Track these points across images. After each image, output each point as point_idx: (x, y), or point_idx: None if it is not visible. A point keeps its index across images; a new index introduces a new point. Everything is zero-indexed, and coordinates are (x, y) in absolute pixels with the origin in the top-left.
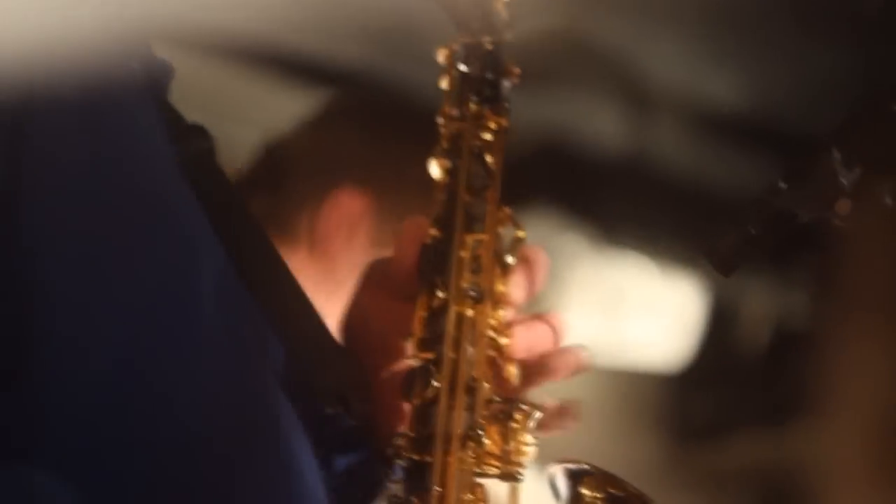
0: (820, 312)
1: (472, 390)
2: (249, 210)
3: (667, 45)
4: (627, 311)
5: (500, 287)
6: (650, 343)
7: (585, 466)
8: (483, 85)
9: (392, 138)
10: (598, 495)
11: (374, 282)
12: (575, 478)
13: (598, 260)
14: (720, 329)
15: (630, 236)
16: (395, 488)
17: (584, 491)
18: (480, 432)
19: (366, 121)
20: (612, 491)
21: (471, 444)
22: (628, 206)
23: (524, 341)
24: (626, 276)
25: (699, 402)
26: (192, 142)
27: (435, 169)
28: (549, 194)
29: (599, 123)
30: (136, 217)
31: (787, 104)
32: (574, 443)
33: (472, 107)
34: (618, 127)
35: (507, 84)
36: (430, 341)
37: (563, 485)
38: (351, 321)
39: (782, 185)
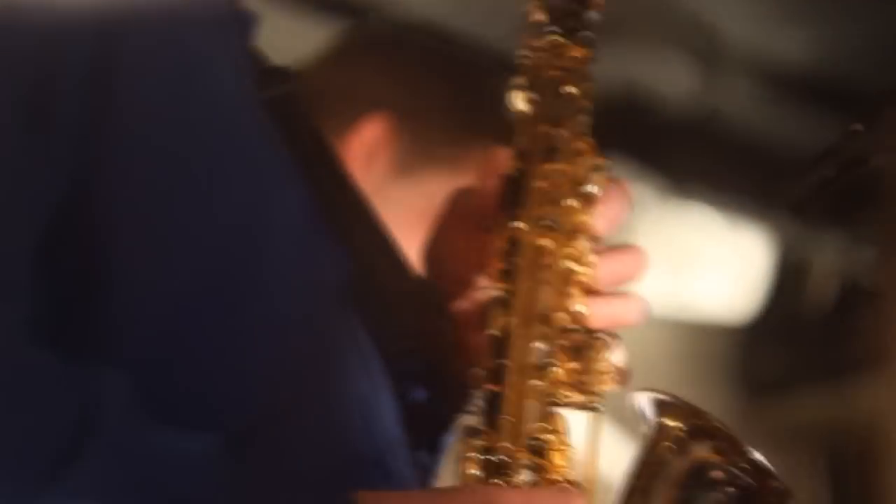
0: (886, 268)
1: (546, 320)
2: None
3: (736, 1)
4: (695, 265)
5: (580, 217)
6: (718, 297)
7: (669, 397)
8: (567, 15)
9: (414, 67)
10: (681, 426)
11: (455, 214)
12: (658, 408)
13: (666, 213)
14: (788, 283)
15: (698, 190)
16: (470, 419)
17: (667, 421)
18: (554, 362)
19: (387, 50)
20: (694, 422)
21: (545, 373)
22: (697, 159)
23: (609, 271)
24: (694, 230)
25: (766, 357)
26: (276, 84)
27: (517, 100)
28: (618, 147)
29: (669, 77)
30: (214, 153)
31: (854, 61)
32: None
33: (554, 37)
34: (687, 81)
35: (591, 14)
36: (507, 272)
37: (646, 413)
38: (431, 254)
39: (857, 127)
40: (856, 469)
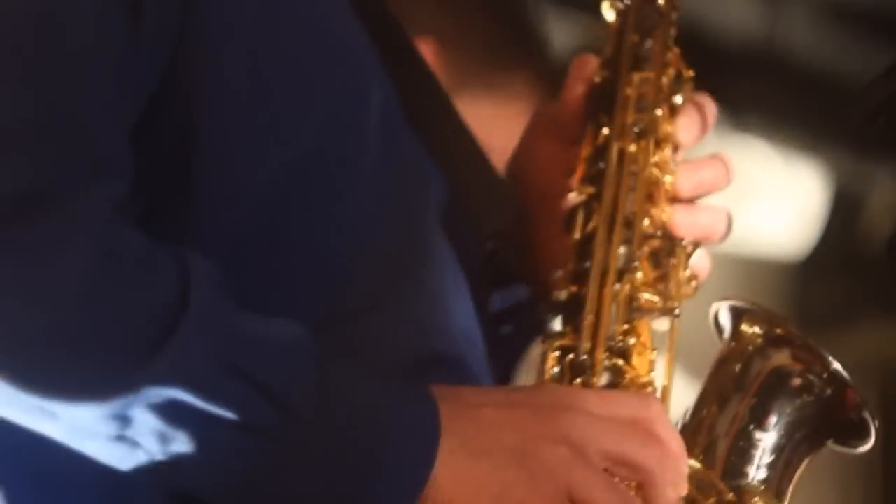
0: None
1: (630, 225)
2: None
3: None
4: (751, 199)
5: (666, 126)
6: (774, 231)
7: (748, 304)
8: None
9: None
10: (759, 332)
11: (542, 125)
12: (737, 314)
13: (722, 146)
14: (844, 218)
15: (756, 122)
16: (551, 322)
17: (745, 327)
18: (636, 267)
19: None
20: (773, 329)
21: (626, 278)
22: (756, 92)
23: (694, 180)
24: (750, 163)
25: (821, 292)
26: None
27: (607, 10)
28: None
29: (729, 8)
30: (310, 44)
31: None
32: (695, 328)
33: None
34: (747, 13)
35: None
36: (593, 177)
37: (725, 321)
38: (518, 164)
39: None
40: None
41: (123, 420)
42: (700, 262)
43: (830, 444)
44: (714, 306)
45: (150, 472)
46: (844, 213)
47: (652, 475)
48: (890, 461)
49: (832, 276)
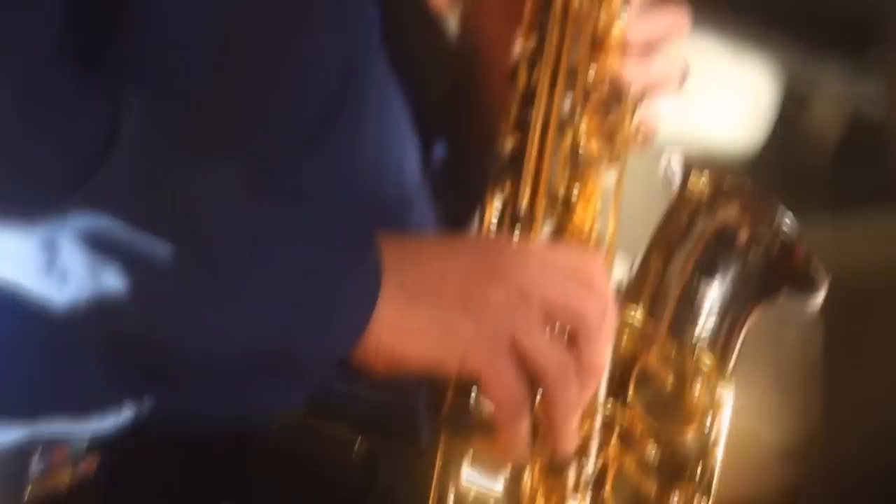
0: (892, 100)
1: (574, 74)
2: None
3: None
4: (697, 95)
5: None
6: (720, 128)
7: (699, 156)
8: None
9: None
10: (709, 183)
11: None
12: (688, 165)
13: None
14: (792, 114)
15: (701, 15)
16: (494, 170)
17: (695, 178)
18: (580, 116)
19: None
20: (722, 183)
21: (570, 127)
22: None
23: (644, 29)
24: (696, 59)
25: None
26: None
27: None
28: None
29: None
30: None
31: None
32: (638, 227)
33: None
34: None
35: None
36: (538, 25)
37: (676, 171)
38: (468, 15)
39: None
40: (855, 312)
41: (51, 247)
42: (649, 113)
43: (783, 293)
44: (665, 156)
45: (83, 309)
46: (792, 110)
47: (589, 326)
48: (832, 362)
49: (778, 174)
